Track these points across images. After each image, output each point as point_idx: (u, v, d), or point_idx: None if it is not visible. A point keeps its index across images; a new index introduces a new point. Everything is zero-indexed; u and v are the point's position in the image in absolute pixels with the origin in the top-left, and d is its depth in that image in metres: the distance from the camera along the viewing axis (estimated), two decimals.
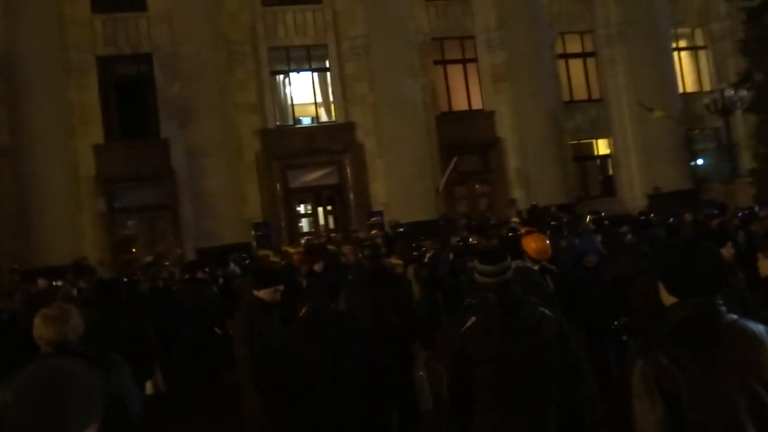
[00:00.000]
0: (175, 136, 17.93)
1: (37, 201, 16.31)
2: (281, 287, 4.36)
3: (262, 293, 4.24)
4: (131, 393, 2.80)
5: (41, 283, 9.93)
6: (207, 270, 9.83)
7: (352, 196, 19.30)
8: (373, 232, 17.98)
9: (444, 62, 20.48)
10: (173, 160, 18.01)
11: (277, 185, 18.77)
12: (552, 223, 10.71)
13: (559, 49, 21.12)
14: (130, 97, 18.47)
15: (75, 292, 7.36)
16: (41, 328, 2.67)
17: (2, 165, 16.91)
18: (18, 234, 16.40)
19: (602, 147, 21.82)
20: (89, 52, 17.91)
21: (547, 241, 5.21)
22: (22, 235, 16.28)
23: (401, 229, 16.38)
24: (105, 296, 4.89)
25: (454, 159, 17.96)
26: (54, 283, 8.99)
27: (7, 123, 16.86)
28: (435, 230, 16.45)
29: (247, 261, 12.70)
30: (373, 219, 18.65)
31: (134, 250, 18.13)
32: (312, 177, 19.39)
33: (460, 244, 9.49)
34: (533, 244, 4.94)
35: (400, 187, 18.49)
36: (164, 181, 18.09)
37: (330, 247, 10.98)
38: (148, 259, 15.05)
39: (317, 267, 7.63)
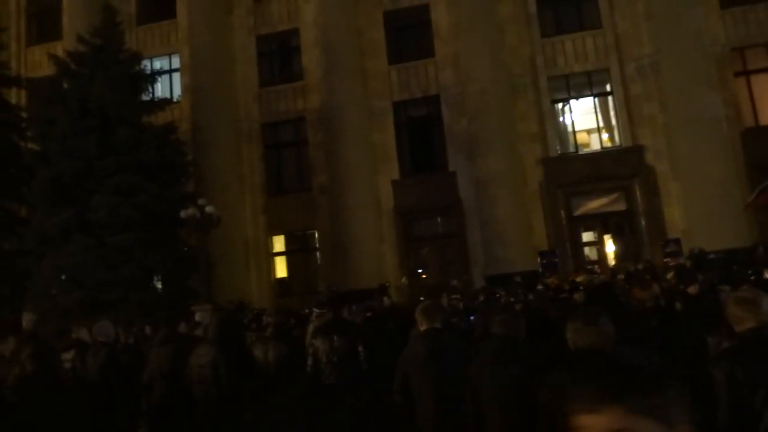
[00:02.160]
0: (462, 169, 19.04)
1: (349, 231, 18.63)
2: None
3: None
4: None
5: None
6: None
7: (643, 222, 18.20)
8: (667, 260, 16.73)
9: (746, 73, 18.40)
10: (461, 191, 19.08)
11: (561, 213, 18.60)
12: None
13: None
14: (421, 136, 20.21)
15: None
16: (736, 309, 2.95)
17: (322, 201, 19.78)
18: (334, 259, 18.87)
19: None
20: (387, 99, 20.15)
21: None
22: (338, 260, 18.68)
23: (712, 256, 14.90)
24: (600, 299, 5.26)
25: None
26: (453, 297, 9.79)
27: (325, 165, 19.75)
28: (750, 258, 14.63)
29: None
30: (670, 247, 17.30)
31: (424, 275, 19.45)
32: (597, 204, 18.79)
33: None
34: None
35: (700, 212, 16.87)
36: (452, 211, 19.24)
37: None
38: (455, 282, 15.98)
39: (692, 290, 7.23)
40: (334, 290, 18.22)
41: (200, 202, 14.24)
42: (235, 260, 19.23)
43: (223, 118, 20.07)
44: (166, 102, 17.18)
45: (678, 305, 7.97)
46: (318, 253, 20.42)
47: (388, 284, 17.72)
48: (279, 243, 20.90)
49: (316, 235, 20.38)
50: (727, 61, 18.10)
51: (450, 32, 19.66)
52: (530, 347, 4.03)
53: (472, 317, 8.00)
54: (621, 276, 14.27)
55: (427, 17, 20.36)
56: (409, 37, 20.70)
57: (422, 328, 4.18)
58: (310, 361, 5.03)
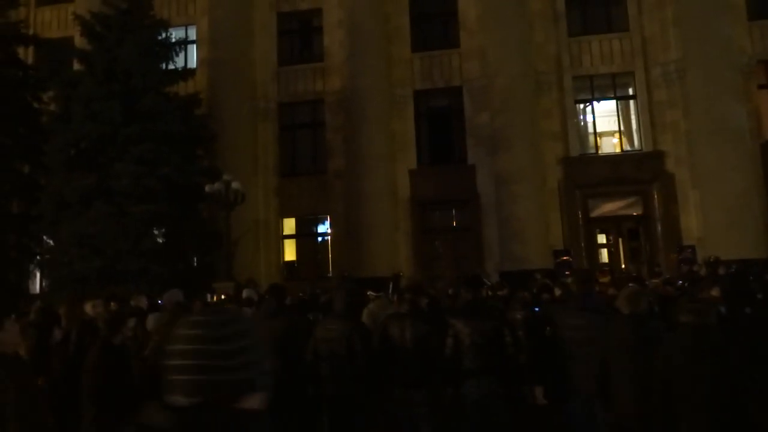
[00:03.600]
0: (482, 163, 18.88)
1: (364, 218, 18.34)
2: None
3: None
4: None
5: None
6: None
7: (659, 228, 18.27)
8: (682, 266, 16.81)
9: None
10: (479, 186, 18.93)
11: (578, 213, 18.58)
12: None
13: None
14: (441, 127, 19.98)
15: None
16: None
17: (336, 185, 19.45)
18: (348, 246, 18.58)
19: None
20: (408, 87, 19.87)
21: None
22: (351, 246, 18.39)
23: (733, 269, 14.97)
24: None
25: None
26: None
27: (342, 149, 19.41)
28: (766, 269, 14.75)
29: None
30: (683, 253, 17.41)
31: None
32: (614, 207, 18.81)
33: None
34: None
35: (718, 221, 16.96)
36: (469, 205, 19.08)
37: None
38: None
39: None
40: (346, 277, 18.00)
41: (225, 177, 13.83)
42: (245, 240, 18.82)
43: (240, 95, 19.56)
44: (190, 73, 16.63)
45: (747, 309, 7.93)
46: (329, 238, 20.09)
47: (401, 274, 17.51)
48: (289, 225, 20.52)
49: (329, 220, 20.05)
50: (752, 73, 18.21)
51: (476, 24, 19.44)
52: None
53: (536, 309, 7.86)
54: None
55: (454, 7, 20.10)
56: (434, 25, 20.47)
57: (625, 312, 4.00)
58: (450, 343, 4.77)
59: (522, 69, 18.31)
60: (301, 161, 20.68)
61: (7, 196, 14.37)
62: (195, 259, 14.11)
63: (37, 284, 17.08)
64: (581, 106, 19.49)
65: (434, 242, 19.41)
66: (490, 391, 4.49)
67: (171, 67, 16.07)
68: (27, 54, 20.00)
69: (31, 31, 19.64)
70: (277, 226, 20.22)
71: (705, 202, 17.40)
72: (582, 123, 19.53)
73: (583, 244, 18.54)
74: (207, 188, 13.53)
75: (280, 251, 20.24)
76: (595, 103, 19.48)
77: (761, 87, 18.44)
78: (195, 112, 15.79)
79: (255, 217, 19.55)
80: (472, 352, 4.62)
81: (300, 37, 21.36)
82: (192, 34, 21.37)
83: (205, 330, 1.15)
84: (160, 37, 15.78)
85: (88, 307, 5.92)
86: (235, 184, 13.71)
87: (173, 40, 16.70)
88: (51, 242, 13.45)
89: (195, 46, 21.15)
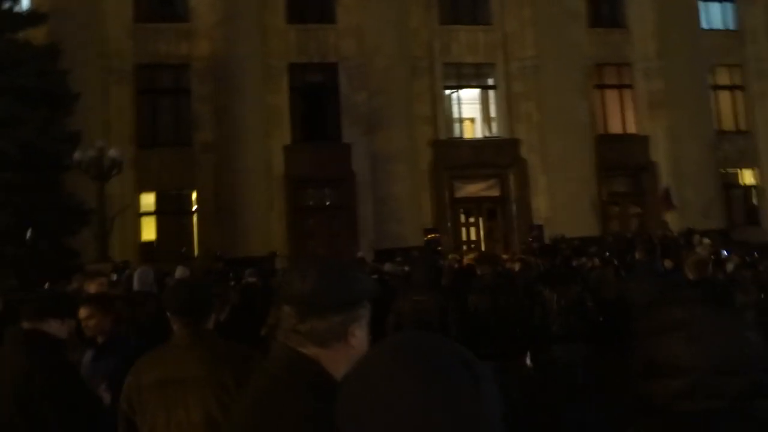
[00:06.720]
0: (358, 142, 18.98)
1: (237, 195, 17.41)
2: None
3: None
4: None
5: None
6: None
7: (514, 208, 20.08)
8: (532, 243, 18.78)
9: (602, 87, 21.29)
10: (354, 164, 19.01)
11: (445, 194, 19.65)
12: None
13: (709, 81, 21.78)
14: (316, 103, 19.62)
15: None
16: None
17: (204, 159, 18.12)
18: (219, 224, 17.48)
19: (747, 177, 22.32)
20: (284, 59, 19.13)
21: None
22: (224, 225, 17.34)
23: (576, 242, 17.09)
24: None
25: (664, 185, 18.84)
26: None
27: (211, 120, 18.10)
28: (600, 245, 17.15)
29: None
30: (533, 232, 19.41)
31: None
32: (476, 188, 20.23)
33: None
34: None
35: (561, 203, 19.20)
36: (344, 183, 19.09)
37: None
38: (360, 254, 15.90)
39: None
40: (218, 256, 16.96)
41: (99, 143, 12.16)
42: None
43: (89, 51, 17.13)
44: (41, 18, 14.11)
45: None
46: (195, 216, 18.68)
47: (278, 253, 17.05)
48: (148, 201, 18.66)
49: (194, 196, 18.63)
50: (591, 74, 20.73)
51: (353, 1, 19.33)
52: None
53: None
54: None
55: None
56: None
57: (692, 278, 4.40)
58: (538, 311, 4.81)
59: (399, 52, 18.72)
60: (162, 131, 18.87)
61: None
62: (58, 239, 12.18)
63: None
64: (448, 92, 20.52)
65: (307, 220, 19.13)
66: (578, 355, 4.71)
67: (15, 9, 13.49)
68: None
69: None
70: (133, 201, 18.23)
71: (551, 185, 19.54)
72: (450, 108, 20.58)
73: (449, 223, 19.71)
74: (76, 155, 11.78)
75: (137, 230, 18.35)
76: (461, 90, 20.65)
77: (596, 87, 21.09)
78: (57, 66, 13.48)
79: (108, 191, 17.38)
80: (559, 320, 4.79)
81: None
82: None
83: None
84: None
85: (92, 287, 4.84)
86: (112, 152, 12.14)
87: None
88: None
89: None
